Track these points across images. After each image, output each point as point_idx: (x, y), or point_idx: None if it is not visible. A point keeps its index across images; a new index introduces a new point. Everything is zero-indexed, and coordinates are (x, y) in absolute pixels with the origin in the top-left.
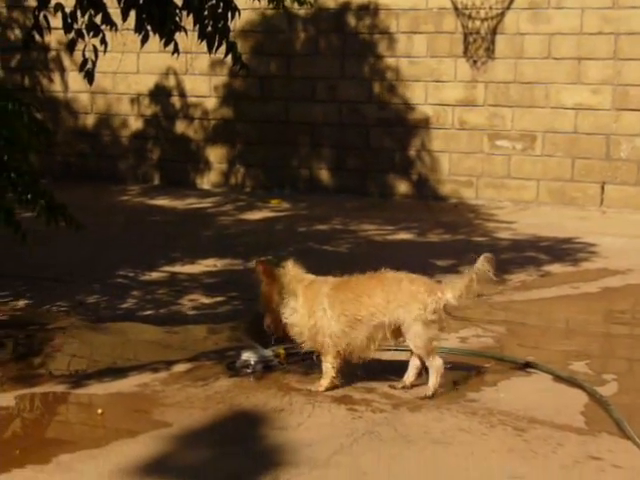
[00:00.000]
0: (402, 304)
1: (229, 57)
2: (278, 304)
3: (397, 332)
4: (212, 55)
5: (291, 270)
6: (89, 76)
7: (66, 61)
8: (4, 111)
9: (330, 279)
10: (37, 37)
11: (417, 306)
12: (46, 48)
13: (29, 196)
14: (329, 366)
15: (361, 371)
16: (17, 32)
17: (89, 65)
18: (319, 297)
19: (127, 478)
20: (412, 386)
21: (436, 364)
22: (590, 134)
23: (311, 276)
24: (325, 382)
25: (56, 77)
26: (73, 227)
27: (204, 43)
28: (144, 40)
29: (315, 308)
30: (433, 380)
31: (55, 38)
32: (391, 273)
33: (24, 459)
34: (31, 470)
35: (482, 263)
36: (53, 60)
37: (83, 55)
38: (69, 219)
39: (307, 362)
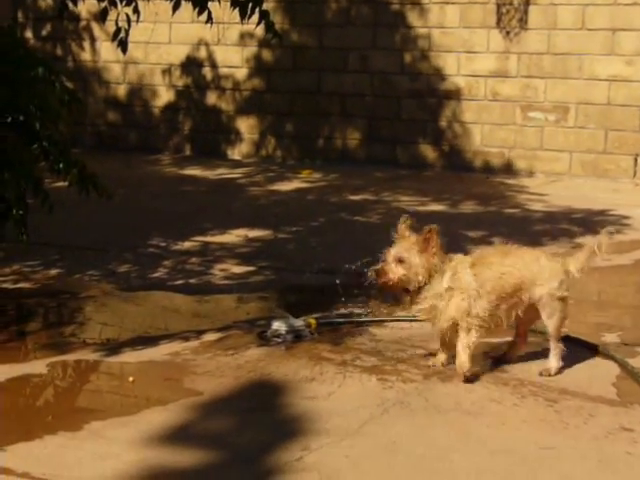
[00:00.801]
0: (542, 281)
1: (260, 28)
2: (422, 280)
3: (529, 311)
4: (244, 25)
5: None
6: (122, 45)
7: (97, 31)
8: (35, 79)
9: (466, 257)
10: (71, 5)
11: (556, 283)
12: (77, 18)
13: (61, 165)
14: (470, 345)
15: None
16: (49, 1)
17: (122, 34)
18: (465, 276)
19: (157, 445)
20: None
21: (561, 346)
22: (623, 106)
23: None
24: (467, 361)
25: (87, 47)
26: (104, 197)
27: (236, 13)
28: (175, 7)
29: (463, 287)
30: (555, 362)
31: (85, 8)
32: (525, 249)
33: (56, 426)
34: (62, 437)
35: (603, 237)
36: (84, 30)
37: (116, 24)
38: (100, 188)
39: (338, 332)
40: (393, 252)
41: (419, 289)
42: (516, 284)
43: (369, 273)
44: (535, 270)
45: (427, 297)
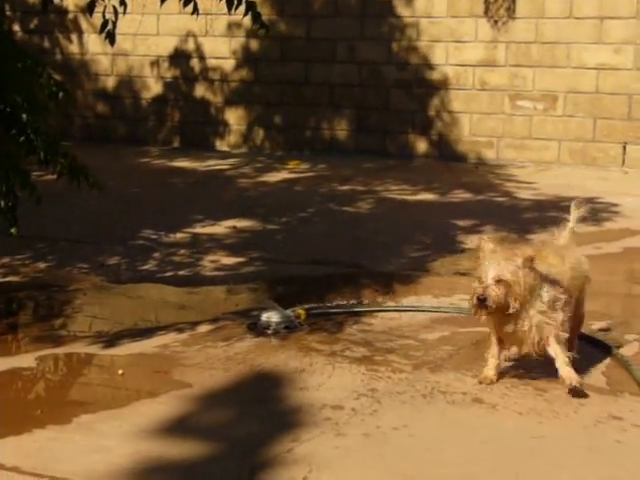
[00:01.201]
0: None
1: (248, 18)
2: (525, 302)
3: None
4: (231, 16)
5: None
6: (110, 37)
7: (84, 24)
8: (22, 72)
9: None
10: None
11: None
12: (64, 11)
13: (49, 157)
14: (566, 354)
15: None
16: None
17: (110, 26)
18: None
19: (147, 438)
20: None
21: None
22: (612, 94)
23: None
24: (571, 370)
25: (74, 40)
26: (95, 188)
27: (223, 3)
28: None
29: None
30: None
31: (72, 1)
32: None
33: (45, 419)
34: (52, 430)
35: (574, 214)
36: (71, 22)
37: (103, 16)
38: (91, 180)
39: (327, 323)
40: (493, 273)
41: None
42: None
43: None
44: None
45: (529, 316)
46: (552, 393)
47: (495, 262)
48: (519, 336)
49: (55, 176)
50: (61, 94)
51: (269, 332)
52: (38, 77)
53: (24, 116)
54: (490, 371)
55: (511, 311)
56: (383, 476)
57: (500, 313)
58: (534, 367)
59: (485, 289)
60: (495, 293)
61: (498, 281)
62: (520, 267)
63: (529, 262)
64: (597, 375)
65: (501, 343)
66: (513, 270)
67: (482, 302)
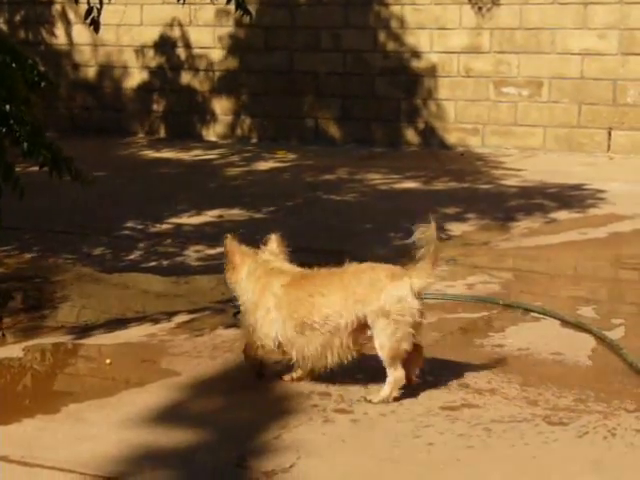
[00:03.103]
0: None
1: (233, 7)
2: None
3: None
4: (216, 5)
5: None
6: (95, 25)
7: (71, 14)
8: (3, 63)
9: None
10: None
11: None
12: (50, 2)
13: (32, 148)
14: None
15: None
16: None
17: (94, 13)
18: None
19: (136, 427)
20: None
21: (397, 375)
22: (597, 79)
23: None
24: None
25: (60, 31)
26: (79, 181)
27: None
28: None
29: None
30: (387, 391)
31: None
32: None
33: (34, 409)
34: (41, 420)
35: (428, 232)
36: (56, 13)
37: (88, 3)
38: (75, 172)
39: None
40: None
41: None
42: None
43: None
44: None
45: None
46: (538, 376)
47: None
48: None
49: (38, 166)
50: (43, 84)
51: None
52: (20, 68)
53: (6, 107)
54: None
55: None
56: (371, 461)
57: None
58: (522, 352)
59: None
60: None
61: None
62: None
63: None
64: (583, 358)
65: None
66: None
67: None
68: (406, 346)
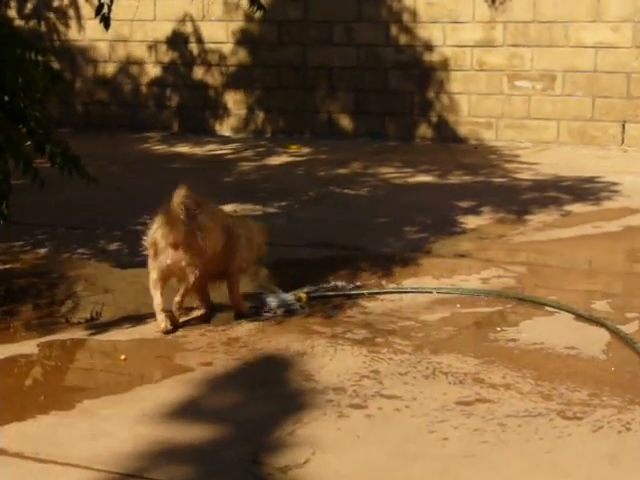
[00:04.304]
0: None
1: (245, 2)
2: None
3: None
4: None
5: None
6: (105, 21)
7: (84, 9)
8: (21, 60)
9: None
10: None
11: None
12: None
13: (47, 146)
14: None
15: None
16: None
17: (105, 10)
18: None
19: (151, 422)
20: None
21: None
22: (610, 73)
23: None
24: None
25: (73, 25)
26: (85, 179)
27: None
28: None
29: None
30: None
31: None
32: None
33: (48, 405)
34: (55, 416)
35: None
36: (69, 7)
37: (99, 0)
38: (82, 171)
39: (328, 305)
40: None
41: None
42: None
43: None
44: None
45: None
46: (552, 370)
47: None
48: None
49: (49, 163)
50: (56, 81)
51: (270, 315)
52: (36, 65)
53: (22, 104)
54: None
55: None
56: (386, 456)
57: None
58: (537, 347)
59: None
60: None
61: None
62: None
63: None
64: (597, 352)
65: None
66: None
67: None
68: None
